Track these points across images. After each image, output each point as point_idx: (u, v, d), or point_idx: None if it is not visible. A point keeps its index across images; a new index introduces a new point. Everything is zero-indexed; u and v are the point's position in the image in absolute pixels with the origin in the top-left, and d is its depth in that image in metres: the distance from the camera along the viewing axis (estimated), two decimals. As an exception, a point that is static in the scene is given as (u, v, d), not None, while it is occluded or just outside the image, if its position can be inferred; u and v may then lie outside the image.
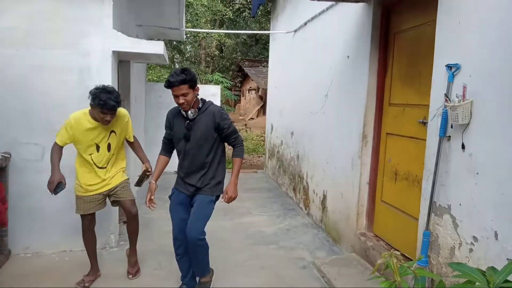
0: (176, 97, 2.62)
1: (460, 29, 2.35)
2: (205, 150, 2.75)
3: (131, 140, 3.18)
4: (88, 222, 3.08)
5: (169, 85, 2.60)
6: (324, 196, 4.57)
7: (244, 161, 9.96)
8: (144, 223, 4.44)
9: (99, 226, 3.71)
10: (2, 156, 3.24)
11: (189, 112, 2.69)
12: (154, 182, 2.83)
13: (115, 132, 3.02)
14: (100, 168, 3.00)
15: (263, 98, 18.41)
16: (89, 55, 3.54)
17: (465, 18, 2.31)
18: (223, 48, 21.65)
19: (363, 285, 3.05)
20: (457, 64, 2.35)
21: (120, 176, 3.12)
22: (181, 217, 2.80)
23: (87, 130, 2.89)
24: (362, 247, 3.56)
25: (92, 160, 2.96)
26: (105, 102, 2.72)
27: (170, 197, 2.91)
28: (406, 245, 3.04)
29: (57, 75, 3.49)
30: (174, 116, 2.79)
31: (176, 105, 2.73)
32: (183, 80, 2.57)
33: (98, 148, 2.96)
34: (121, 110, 3.02)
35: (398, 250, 2.94)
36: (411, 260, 2.84)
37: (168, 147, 2.93)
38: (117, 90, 2.91)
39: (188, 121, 2.72)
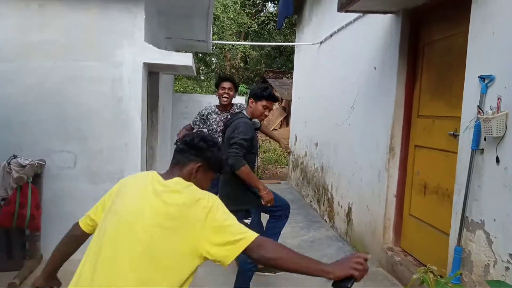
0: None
1: (494, 39, 2.29)
2: None
3: None
4: None
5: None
6: (349, 209, 4.50)
7: (267, 171, 9.93)
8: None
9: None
10: (37, 163, 3.37)
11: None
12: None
13: None
14: None
15: (286, 109, 18.41)
16: (121, 66, 3.65)
17: (500, 28, 2.26)
18: (247, 59, 21.87)
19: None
20: (491, 75, 2.29)
21: None
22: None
23: None
24: (389, 261, 3.47)
25: None
26: None
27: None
28: (436, 261, 2.92)
29: (91, 86, 3.62)
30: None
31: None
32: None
33: None
34: None
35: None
36: (442, 277, 2.74)
37: None
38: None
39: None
